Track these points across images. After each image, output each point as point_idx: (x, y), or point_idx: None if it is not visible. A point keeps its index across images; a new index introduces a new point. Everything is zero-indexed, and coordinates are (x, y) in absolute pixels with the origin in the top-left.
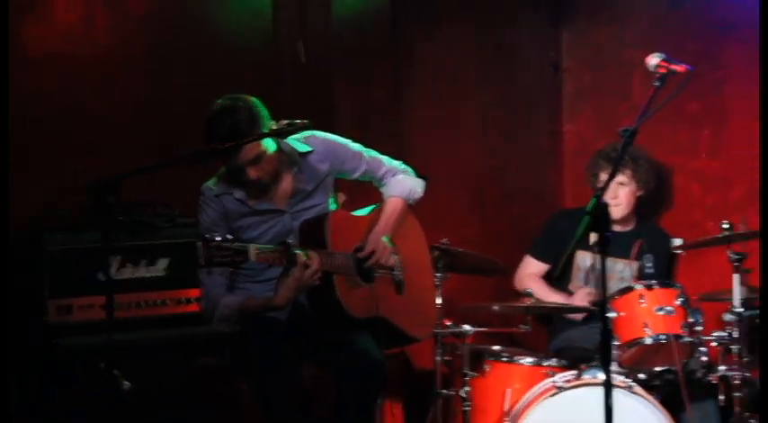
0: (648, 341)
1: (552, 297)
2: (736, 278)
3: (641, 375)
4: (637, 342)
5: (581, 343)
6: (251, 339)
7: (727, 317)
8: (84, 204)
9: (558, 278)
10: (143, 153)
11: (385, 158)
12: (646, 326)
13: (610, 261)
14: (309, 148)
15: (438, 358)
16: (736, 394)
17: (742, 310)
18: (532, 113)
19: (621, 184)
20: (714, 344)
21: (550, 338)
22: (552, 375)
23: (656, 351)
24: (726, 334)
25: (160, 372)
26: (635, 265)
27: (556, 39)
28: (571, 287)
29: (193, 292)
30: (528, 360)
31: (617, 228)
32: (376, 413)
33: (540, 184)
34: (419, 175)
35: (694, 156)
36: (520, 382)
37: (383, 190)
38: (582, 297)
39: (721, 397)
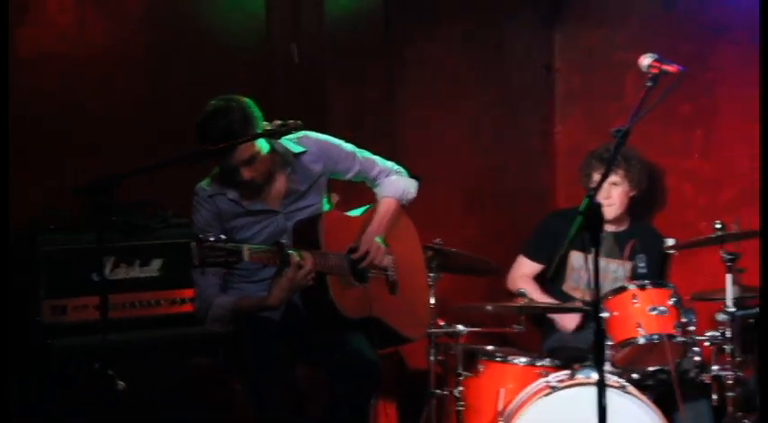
0: (641, 341)
1: (544, 299)
2: (728, 278)
3: (634, 375)
4: (630, 342)
5: (574, 343)
6: (244, 339)
7: (720, 317)
8: (79, 205)
9: (552, 278)
10: (143, 153)
11: (378, 159)
12: (639, 326)
13: (603, 261)
14: (303, 149)
15: (432, 358)
16: (729, 394)
17: (735, 309)
18: (525, 114)
19: (614, 184)
20: (707, 344)
21: (544, 338)
22: (546, 375)
23: (649, 351)
24: (719, 334)
25: (154, 372)
26: (628, 265)
27: (548, 40)
28: (565, 287)
29: (187, 293)
30: (521, 360)
31: (610, 228)
32: (370, 413)
33: (532, 185)
34: (412, 176)
35: (686, 156)
36: (513, 381)
37: (376, 190)
38: (570, 319)
39: (714, 396)
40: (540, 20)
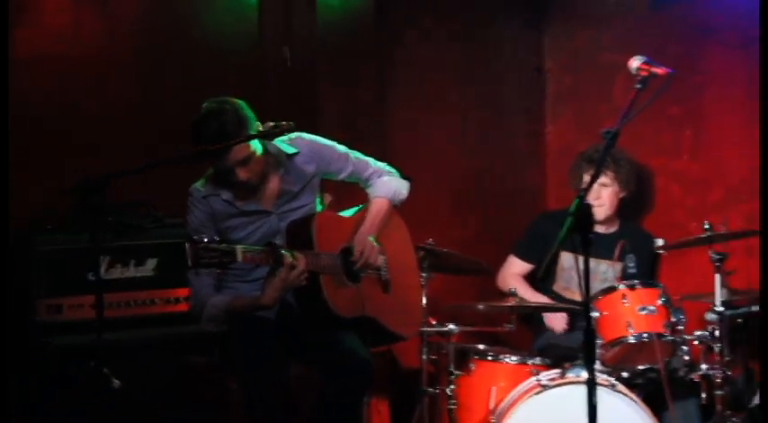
0: (631, 340)
1: (535, 298)
2: (717, 278)
3: (624, 374)
4: (620, 341)
5: (565, 342)
6: (237, 339)
7: (709, 316)
8: (71, 205)
9: (543, 279)
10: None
11: (371, 160)
12: (629, 325)
13: (593, 262)
14: (296, 150)
15: (424, 357)
16: (718, 392)
17: (723, 309)
18: (515, 115)
19: (604, 185)
20: (696, 343)
21: (535, 337)
22: (536, 374)
23: (638, 350)
24: (707, 333)
25: (149, 370)
26: (618, 265)
27: (537, 41)
28: (555, 287)
29: (182, 292)
30: (513, 359)
31: (600, 229)
32: (363, 411)
33: (522, 186)
34: (404, 177)
35: (675, 157)
36: (505, 380)
37: (369, 191)
38: (558, 321)
39: (703, 395)
40: (529, 21)
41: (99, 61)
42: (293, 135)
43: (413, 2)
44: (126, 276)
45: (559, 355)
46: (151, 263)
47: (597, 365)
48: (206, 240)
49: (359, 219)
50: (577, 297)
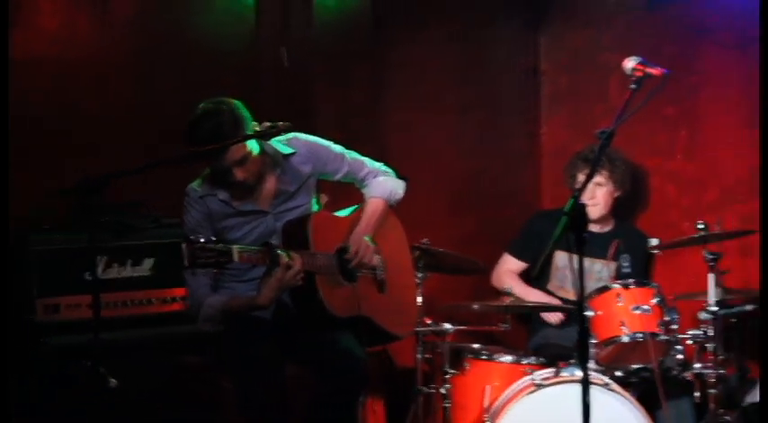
0: (625, 339)
1: (530, 293)
2: (711, 277)
3: (618, 373)
4: (614, 340)
5: (559, 341)
6: (232, 338)
7: (703, 315)
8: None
9: (537, 277)
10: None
11: (366, 160)
12: (623, 324)
13: (587, 261)
14: (292, 150)
15: (419, 356)
16: (711, 391)
17: (717, 308)
18: (510, 116)
19: (599, 184)
20: (689, 342)
21: (529, 337)
22: (531, 373)
23: (632, 349)
24: (701, 332)
25: (145, 369)
26: (612, 265)
27: (533, 42)
28: (550, 287)
29: (178, 292)
30: (507, 358)
31: (595, 228)
32: (358, 410)
33: (518, 186)
34: (400, 177)
35: (670, 157)
36: (499, 379)
37: (364, 191)
38: (554, 313)
39: (696, 394)
40: (525, 22)
41: (96, 62)
42: (290, 135)
43: (409, 3)
44: (123, 276)
45: (554, 355)
46: (148, 263)
47: (591, 364)
48: (202, 240)
49: (355, 219)
50: (572, 296)
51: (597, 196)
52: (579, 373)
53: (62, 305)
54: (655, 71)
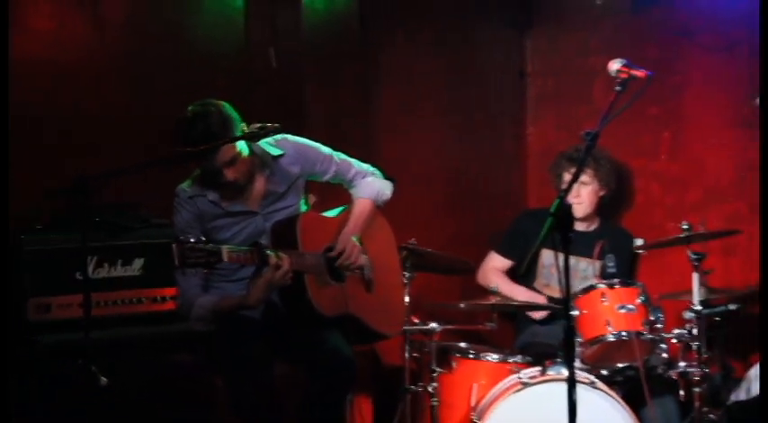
0: (611, 338)
1: (515, 290)
2: (695, 277)
3: (604, 371)
4: (599, 339)
5: (545, 340)
6: (223, 338)
7: (687, 315)
8: (56, 206)
9: (523, 276)
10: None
11: (354, 161)
12: (608, 323)
13: (573, 259)
14: (281, 152)
15: (406, 355)
16: (696, 390)
17: (701, 308)
18: (497, 117)
19: (584, 183)
20: (674, 341)
21: (516, 335)
22: (517, 371)
23: (617, 348)
24: (685, 331)
25: (136, 368)
26: (597, 264)
27: (520, 44)
28: (536, 284)
29: (168, 291)
30: (494, 357)
31: (580, 227)
32: (346, 409)
33: (504, 186)
34: (387, 177)
35: (654, 158)
36: (486, 378)
37: (352, 191)
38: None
39: (681, 392)
40: (513, 24)
41: (89, 65)
42: (279, 137)
43: (397, 5)
44: (113, 276)
45: (540, 353)
46: (138, 262)
47: (577, 363)
48: (192, 241)
49: (343, 219)
50: (557, 293)
51: (582, 195)
52: (565, 372)
53: (53, 304)
54: (639, 73)
